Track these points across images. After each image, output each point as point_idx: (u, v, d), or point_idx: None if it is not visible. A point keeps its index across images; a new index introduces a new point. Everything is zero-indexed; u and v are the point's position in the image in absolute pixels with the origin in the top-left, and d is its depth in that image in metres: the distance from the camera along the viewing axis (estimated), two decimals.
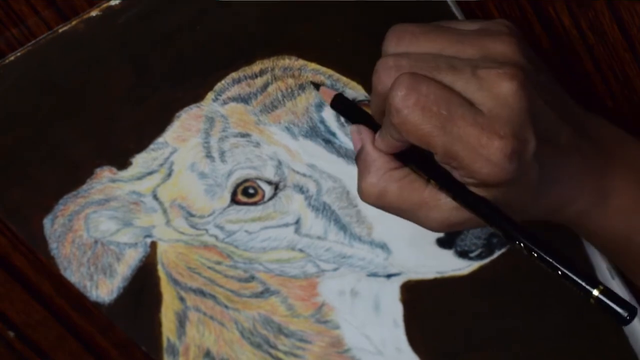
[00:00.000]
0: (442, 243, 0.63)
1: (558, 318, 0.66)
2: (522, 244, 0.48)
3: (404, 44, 0.49)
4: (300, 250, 0.63)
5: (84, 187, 0.61)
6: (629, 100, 0.63)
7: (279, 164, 0.61)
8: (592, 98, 0.63)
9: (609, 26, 0.60)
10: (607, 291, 0.46)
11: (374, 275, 0.64)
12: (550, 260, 0.47)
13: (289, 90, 0.59)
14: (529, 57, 0.49)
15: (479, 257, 0.63)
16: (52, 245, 0.62)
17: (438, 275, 0.64)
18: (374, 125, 0.52)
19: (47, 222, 0.62)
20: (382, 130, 0.50)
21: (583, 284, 0.46)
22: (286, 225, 0.62)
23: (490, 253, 0.63)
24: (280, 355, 0.66)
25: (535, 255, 0.47)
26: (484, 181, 0.47)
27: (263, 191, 0.61)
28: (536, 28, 0.61)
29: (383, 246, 0.63)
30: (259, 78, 0.59)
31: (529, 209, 0.51)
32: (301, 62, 0.59)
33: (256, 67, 0.59)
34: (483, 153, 0.45)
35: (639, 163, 0.55)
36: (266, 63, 0.59)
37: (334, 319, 0.66)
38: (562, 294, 0.64)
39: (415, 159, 0.49)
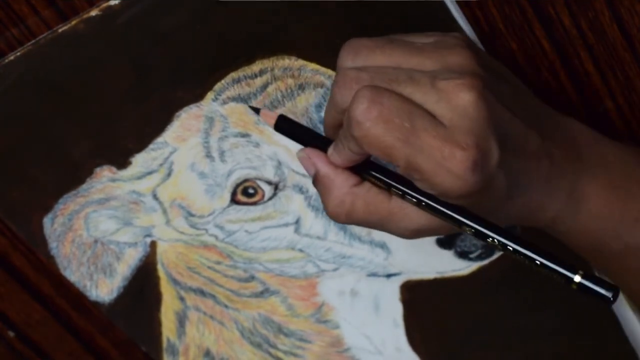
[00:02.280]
0: (442, 243, 0.63)
1: (558, 318, 0.66)
2: (495, 240, 0.48)
3: (360, 58, 0.49)
4: (300, 250, 0.63)
5: (84, 186, 0.61)
6: (629, 100, 0.63)
7: (279, 164, 0.61)
8: (592, 98, 0.63)
9: (609, 26, 0.60)
10: (587, 275, 0.47)
11: (373, 275, 0.64)
12: (527, 252, 0.48)
13: (289, 90, 0.59)
14: (488, 67, 0.49)
15: (479, 257, 0.63)
16: (52, 244, 0.62)
17: (438, 276, 0.64)
18: (321, 143, 0.52)
19: (47, 221, 0.62)
20: (338, 144, 0.50)
21: (563, 271, 0.47)
22: (286, 225, 0.62)
23: (490, 254, 0.63)
24: (280, 354, 0.66)
25: (511, 249, 0.48)
26: (445, 193, 0.47)
27: (263, 191, 0.61)
28: (536, 28, 0.61)
29: (383, 246, 0.63)
30: (258, 78, 0.59)
31: (498, 216, 0.51)
32: (301, 62, 0.59)
33: (256, 67, 0.59)
34: (445, 165, 0.45)
35: (613, 165, 0.54)
36: (266, 63, 0.59)
37: (333, 318, 0.66)
38: (561, 294, 0.64)
39: (374, 169, 0.49)
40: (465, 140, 0.45)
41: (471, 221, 0.48)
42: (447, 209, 0.48)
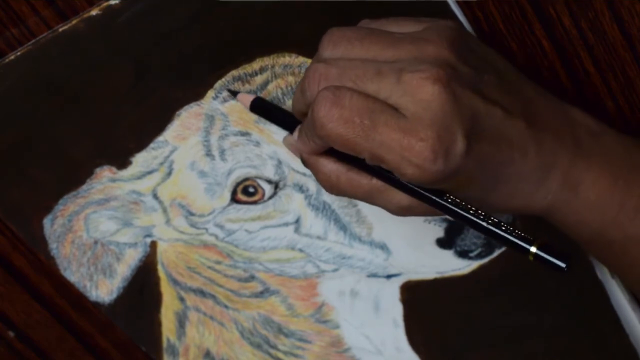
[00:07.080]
0: (442, 243, 0.63)
1: (558, 316, 0.66)
2: (456, 213, 0.49)
3: (339, 50, 0.50)
4: (300, 250, 0.63)
5: (84, 187, 0.61)
6: (629, 100, 0.63)
7: (279, 163, 0.61)
8: (592, 98, 0.63)
9: (609, 26, 0.60)
10: (543, 246, 0.47)
11: (373, 276, 0.64)
12: (485, 225, 0.49)
13: (289, 88, 0.59)
14: (470, 56, 0.49)
15: (479, 256, 0.63)
16: (52, 245, 0.62)
17: (438, 275, 0.64)
18: (296, 123, 0.54)
19: (47, 222, 0.62)
20: (302, 135, 0.52)
21: (520, 242, 0.48)
22: (286, 224, 0.62)
23: (490, 252, 0.63)
24: (280, 355, 0.66)
25: (472, 222, 0.49)
26: (412, 181, 0.48)
27: (263, 190, 0.61)
28: (536, 28, 0.61)
29: (383, 246, 0.63)
30: (259, 76, 0.59)
31: (484, 203, 0.51)
32: (301, 59, 0.59)
33: (256, 64, 0.59)
34: (406, 156, 0.46)
35: (615, 155, 0.54)
36: (266, 60, 0.59)
37: (333, 318, 0.66)
38: (562, 293, 0.64)
39: (341, 155, 0.50)
40: (424, 132, 0.46)
41: (433, 195, 0.49)
42: (426, 192, 0.49)
